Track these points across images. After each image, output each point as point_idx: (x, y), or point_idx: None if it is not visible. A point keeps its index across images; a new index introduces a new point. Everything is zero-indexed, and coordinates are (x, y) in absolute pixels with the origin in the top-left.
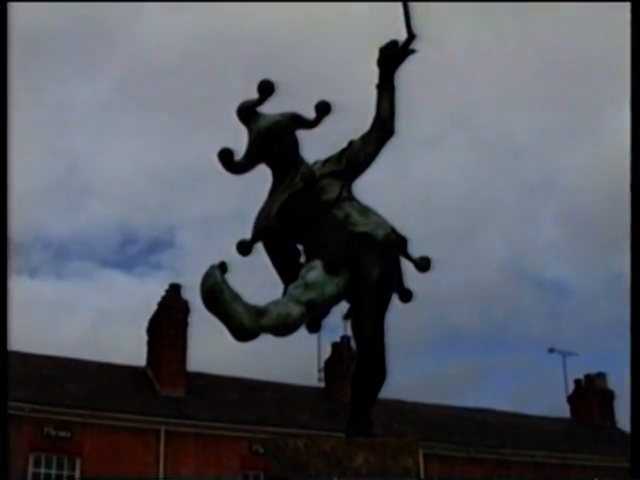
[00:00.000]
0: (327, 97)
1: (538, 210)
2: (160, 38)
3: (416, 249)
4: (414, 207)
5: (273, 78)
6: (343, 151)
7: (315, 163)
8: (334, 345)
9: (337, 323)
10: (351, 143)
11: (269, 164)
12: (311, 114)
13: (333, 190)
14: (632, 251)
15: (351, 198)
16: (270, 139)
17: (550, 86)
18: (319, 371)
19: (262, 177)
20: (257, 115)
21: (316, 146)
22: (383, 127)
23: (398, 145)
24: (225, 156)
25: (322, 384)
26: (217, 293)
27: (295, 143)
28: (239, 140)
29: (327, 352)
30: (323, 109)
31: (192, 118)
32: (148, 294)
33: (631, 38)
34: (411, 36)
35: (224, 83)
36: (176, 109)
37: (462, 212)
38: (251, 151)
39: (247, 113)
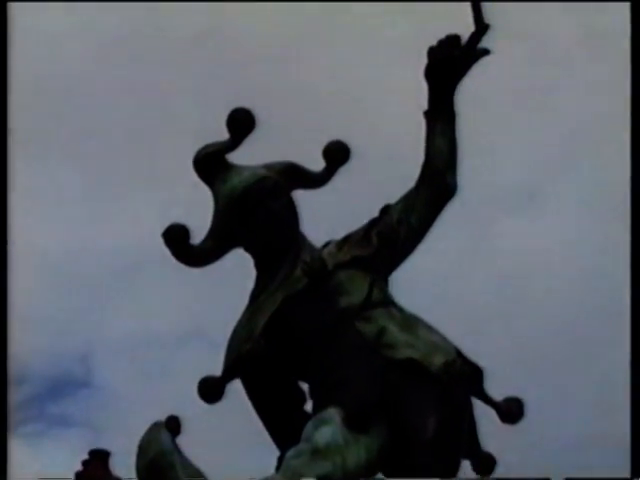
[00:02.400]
0: (342, 135)
1: None
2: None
3: (499, 384)
4: (495, 308)
5: (253, 106)
6: (372, 224)
7: (327, 244)
8: None
9: None
10: (386, 210)
11: (249, 248)
12: (317, 164)
13: (357, 289)
14: (632, 252)
15: (387, 302)
16: (250, 207)
17: None
18: None
19: (237, 268)
20: (228, 168)
21: (327, 214)
22: (438, 181)
23: (467, 207)
24: (176, 237)
25: None
26: (163, 469)
27: (292, 213)
28: (199, 209)
29: None
30: (337, 155)
31: (119, 173)
32: (51, 467)
33: (631, 38)
34: (482, 27)
35: (176, 112)
36: (91, 155)
37: (580, 313)
38: (219, 227)
39: (211, 165)
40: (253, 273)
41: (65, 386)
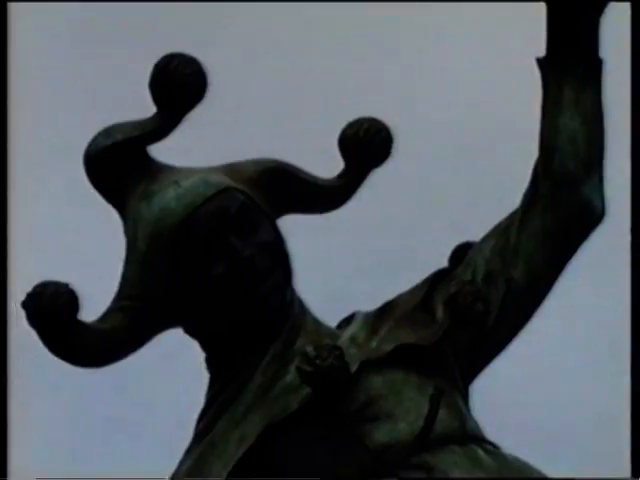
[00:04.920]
0: (373, 111)
1: None
2: None
3: None
4: None
5: (202, 54)
6: (436, 281)
7: (349, 320)
8: None
9: None
10: (461, 254)
11: (194, 328)
12: (325, 163)
13: (407, 409)
14: (632, 252)
15: (465, 433)
16: (198, 248)
17: None
18: None
19: (165, 360)
20: (154, 171)
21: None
22: (567, 196)
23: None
24: (52, 308)
25: None
26: None
27: (279, 258)
28: (96, 251)
29: None
30: (369, 147)
31: None
32: None
33: (631, 38)
34: None
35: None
36: None
37: None
38: (138, 286)
39: (121, 165)
40: (204, 375)
41: None
